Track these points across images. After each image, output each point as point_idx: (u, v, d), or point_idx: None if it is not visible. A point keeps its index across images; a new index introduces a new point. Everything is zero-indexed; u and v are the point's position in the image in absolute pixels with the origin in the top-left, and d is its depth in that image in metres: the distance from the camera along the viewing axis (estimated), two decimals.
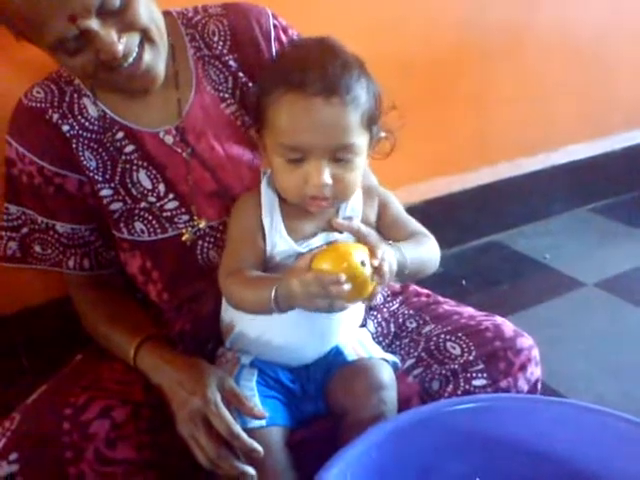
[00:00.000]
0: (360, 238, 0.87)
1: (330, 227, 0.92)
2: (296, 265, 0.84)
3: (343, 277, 0.77)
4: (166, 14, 1.00)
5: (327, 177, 0.84)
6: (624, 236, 2.13)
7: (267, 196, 0.92)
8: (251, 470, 0.85)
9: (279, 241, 0.91)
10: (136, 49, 0.88)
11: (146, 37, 0.90)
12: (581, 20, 2.05)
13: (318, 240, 0.91)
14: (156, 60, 0.92)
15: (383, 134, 0.92)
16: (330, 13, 1.53)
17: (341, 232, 0.91)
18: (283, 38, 1.05)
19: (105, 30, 0.84)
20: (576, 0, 2.02)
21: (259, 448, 0.85)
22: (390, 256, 0.83)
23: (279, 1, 1.09)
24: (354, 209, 0.95)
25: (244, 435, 0.85)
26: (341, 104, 0.83)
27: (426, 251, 0.94)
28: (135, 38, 0.88)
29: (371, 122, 0.88)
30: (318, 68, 0.83)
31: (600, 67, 2.16)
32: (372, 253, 0.80)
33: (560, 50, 2.04)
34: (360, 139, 0.86)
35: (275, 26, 1.05)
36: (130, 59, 0.88)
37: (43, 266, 1.04)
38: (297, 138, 0.83)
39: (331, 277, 0.77)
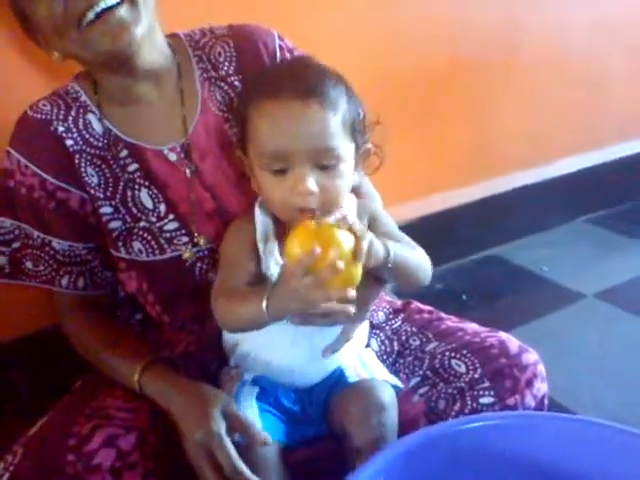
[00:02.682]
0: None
1: None
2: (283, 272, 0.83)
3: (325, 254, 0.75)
4: (174, 36, 1.01)
5: (312, 184, 0.83)
6: (621, 246, 2.14)
7: (261, 220, 0.92)
8: None
9: (273, 265, 0.91)
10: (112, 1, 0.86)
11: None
12: (573, 33, 2.08)
13: None
14: (134, 20, 0.89)
15: (370, 146, 0.92)
16: (325, 31, 1.54)
17: None
18: (289, 58, 1.05)
19: None
20: (568, 13, 2.04)
21: None
22: (375, 240, 0.82)
23: (275, 20, 1.10)
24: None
25: (246, 471, 0.84)
26: (319, 106, 0.83)
27: (414, 254, 0.93)
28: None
29: (354, 130, 0.88)
30: (293, 75, 0.85)
31: (592, 80, 2.19)
32: (355, 237, 0.79)
33: (553, 64, 2.06)
34: (343, 144, 0.86)
35: (281, 47, 1.05)
36: (101, 3, 0.85)
37: (33, 283, 1.02)
38: (277, 144, 0.83)
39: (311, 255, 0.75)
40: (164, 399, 0.93)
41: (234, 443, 0.87)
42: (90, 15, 0.86)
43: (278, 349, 0.94)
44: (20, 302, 1.20)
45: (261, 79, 0.89)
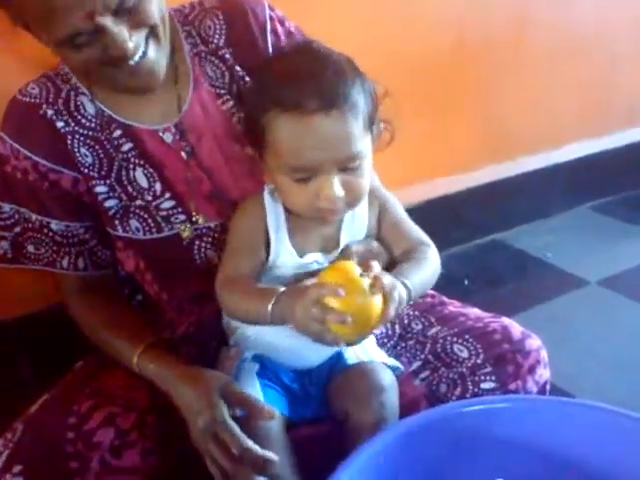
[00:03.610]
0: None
1: (332, 241, 0.92)
2: (301, 286, 0.82)
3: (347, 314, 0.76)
4: None
5: (339, 189, 0.83)
6: (626, 233, 2.13)
7: (272, 209, 0.92)
8: None
9: (283, 253, 0.91)
10: (142, 46, 0.88)
11: (153, 34, 0.89)
12: (583, 17, 2.05)
13: (320, 256, 0.92)
14: (160, 58, 0.92)
15: (382, 125, 0.90)
16: (328, 12, 1.52)
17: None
18: (279, 30, 1.04)
19: (117, 27, 0.84)
20: None
21: (273, 457, 0.84)
22: (400, 289, 0.81)
23: (281, 4, 1.07)
24: (361, 215, 0.95)
25: (255, 447, 0.84)
26: (341, 116, 0.81)
27: (427, 271, 0.92)
28: (143, 34, 0.88)
29: (371, 122, 0.87)
30: (311, 82, 0.81)
31: (601, 65, 2.16)
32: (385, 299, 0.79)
33: (561, 49, 2.03)
34: (364, 143, 0.85)
35: (271, 18, 1.04)
36: (136, 57, 0.88)
37: (36, 266, 1.02)
38: (302, 158, 0.82)
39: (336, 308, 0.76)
40: (163, 382, 0.92)
41: (236, 419, 0.87)
42: (126, 65, 0.87)
43: (280, 331, 0.92)
44: (22, 281, 1.20)
45: (277, 85, 0.83)
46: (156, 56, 0.91)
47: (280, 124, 0.82)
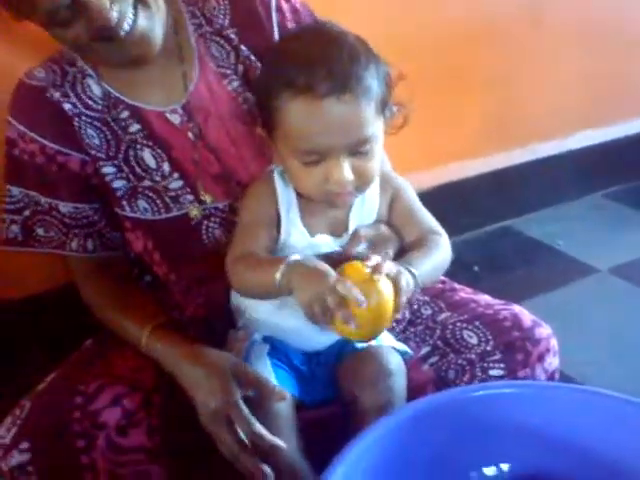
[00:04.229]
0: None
1: (341, 225, 0.92)
2: (321, 269, 0.81)
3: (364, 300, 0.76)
4: None
5: (349, 173, 0.82)
6: (637, 222, 2.11)
7: (283, 190, 0.91)
8: (269, 470, 0.84)
9: (295, 232, 0.90)
10: (130, 15, 0.87)
11: (140, 1, 0.88)
12: (599, 3, 2.02)
13: (330, 239, 0.91)
14: (152, 25, 0.90)
15: (394, 109, 0.88)
16: None
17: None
18: (284, 7, 1.03)
19: None
20: None
21: (281, 444, 0.84)
22: (408, 278, 0.81)
23: None
24: (371, 200, 0.93)
25: (266, 433, 0.84)
26: (354, 100, 0.80)
27: (437, 262, 0.91)
28: (128, 2, 0.86)
29: (384, 105, 0.85)
30: (324, 65, 0.78)
31: (616, 53, 2.12)
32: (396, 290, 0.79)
33: (575, 35, 2.01)
34: (376, 127, 0.84)
35: None
36: (126, 26, 0.86)
37: (46, 249, 1.02)
38: (313, 142, 0.81)
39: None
40: (170, 363, 0.93)
41: (246, 398, 0.87)
42: (117, 36, 0.86)
43: (292, 312, 0.92)
44: (31, 261, 1.20)
45: (290, 68, 0.80)
46: (148, 24, 0.89)
47: (291, 107, 0.80)
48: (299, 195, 0.91)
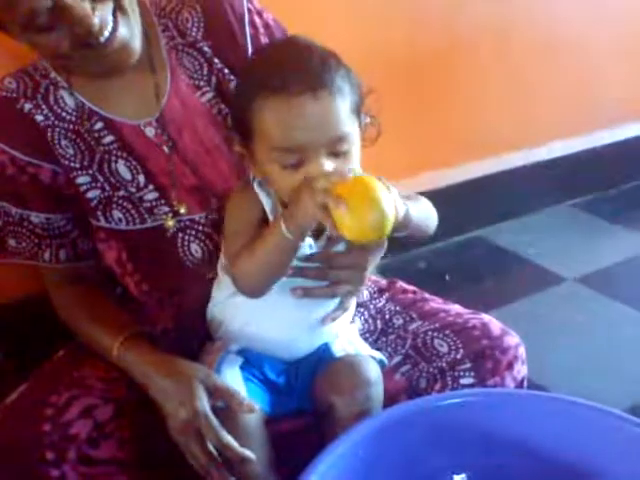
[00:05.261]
0: None
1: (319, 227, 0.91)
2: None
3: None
4: (139, 4, 0.96)
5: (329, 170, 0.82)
6: (605, 232, 2.15)
7: (264, 195, 0.90)
8: None
9: None
10: (110, 22, 0.86)
11: (118, 7, 0.88)
12: (566, 17, 2.06)
13: (312, 241, 0.91)
14: (131, 33, 0.90)
15: (367, 119, 0.90)
16: (315, 10, 1.51)
17: None
18: (257, 22, 1.03)
19: (77, 2, 0.82)
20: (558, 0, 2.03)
21: (251, 456, 0.84)
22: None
23: None
24: None
25: (235, 445, 0.84)
26: (329, 96, 0.81)
27: (424, 207, 0.96)
28: (108, 9, 0.86)
29: (358, 109, 0.87)
30: (297, 66, 0.81)
31: (583, 65, 2.18)
32: None
33: (545, 47, 2.05)
34: (352, 127, 0.85)
35: (249, 10, 1.03)
36: (106, 33, 0.86)
37: (18, 260, 1.01)
38: (291, 140, 0.81)
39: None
40: (140, 373, 0.92)
41: (215, 410, 0.87)
42: (97, 43, 0.86)
43: (271, 320, 0.94)
44: (4, 268, 1.18)
45: (263, 72, 0.84)
46: (127, 31, 0.89)
47: (267, 107, 0.82)
48: (281, 203, 0.90)
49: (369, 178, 0.80)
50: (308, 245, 0.91)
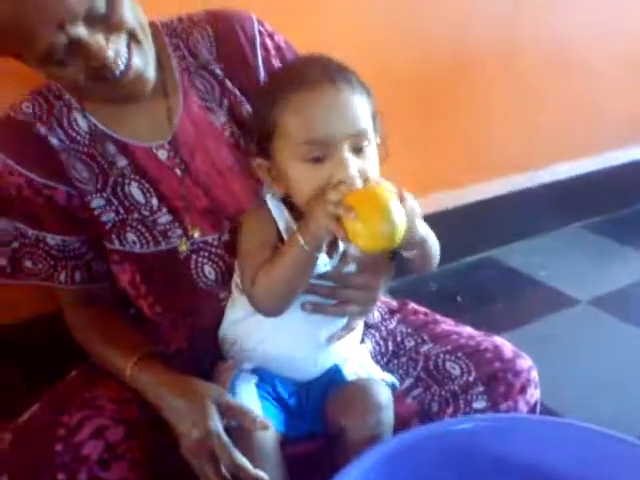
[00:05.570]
0: None
1: (333, 245, 0.92)
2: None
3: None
4: (150, 25, 0.98)
5: (354, 169, 0.83)
6: (616, 253, 2.15)
7: (278, 215, 0.91)
8: None
9: None
10: (125, 54, 0.88)
11: (132, 38, 0.89)
12: (571, 36, 2.08)
13: (327, 258, 0.92)
14: (145, 63, 0.91)
15: (379, 139, 0.92)
16: (323, 29, 1.53)
17: None
18: (269, 44, 1.05)
19: (92, 36, 0.83)
20: (564, 19, 2.05)
21: (264, 476, 0.84)
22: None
23: (273, 17, 1.08)
24: None
25: (249, 466, 0.84)
26: (349, 89, 0.85)
27: (433, 237, 0.96)
28: (122, 40, 0.87)
29: (375, 120, 0.89)
30: (319, 67, 0.86)
31: (591, 86, 2.19)
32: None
33: (551, 67, 2.06)
34: (370, 127, 0.87)
35: (260, 32, 1.04)
36: (121, 65, 0.87)
37: (34, 281, 1.02)
38: (317, 129, 0.83)
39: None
40: (154, 394, 0.92)
41: (228, 430, 0.86)
42: (113, 75, 0.87)
43: (283, 340, 0.94)
44: (19, 288, 1.19)
45: (284, 77, 0.89)
46: (141, 62, 0.90)
47: (293, 104, 0.85)
48: (293, 218, 0.91)
49: (379, 187, 0.81)
50: (323, 263, 0.91)
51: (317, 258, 0.86)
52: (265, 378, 0.96)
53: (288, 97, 0.85)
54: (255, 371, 0.96)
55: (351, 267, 0.92)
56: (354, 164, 0.83)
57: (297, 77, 0.86)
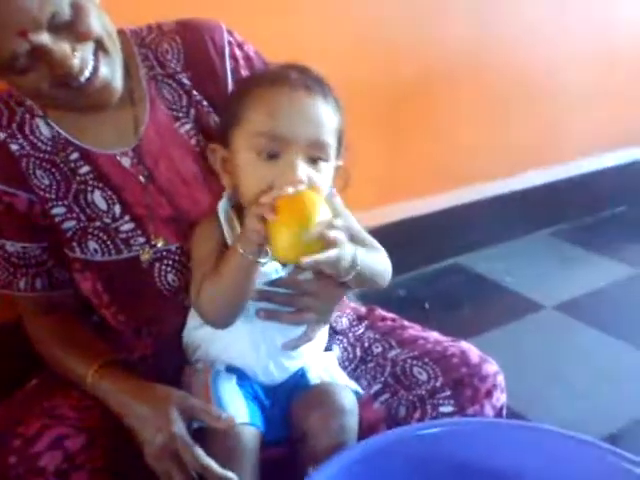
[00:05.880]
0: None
1: None
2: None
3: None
4: (119, 32, 0.96)
5: (303, 173, 0.84)
6: (582, 260, 2.19)
7: (227, 223, 0.91)
8: None
9: None
10: (91, 62, 0.86)
11: (100, 47, 0.87)
12: (537, 53, 2.13)
13: (279, 265, 0.91)
14: (112, 72, 0.90)
15: (341, 163, 0.93)
16: (295, 45, 1.52)
17: None
18: (238, 54, 1.04)
19: (57, 44, 0.81)
20: (531, 35, 2.10)
21: (232, 476, 0.83)
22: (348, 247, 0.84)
23: (245, 25, 1.07)
24: None
25: (214, 465, 0.83)
26: (323, 100, 0.87)
27: (377, 258, 0.96)
28: (89, 49, 0.85)
29: (340, 139, 0.89)
30: (297, 72, 0.88)
31: (555, 96, 2.24)
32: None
33: (517, 79, 2.11)
34: (332, 143, 0.88)
35: (230, 42, 1.03)
36: (87, 73, 0.85)
37: None
38: (279, 124, 0.84)
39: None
40: (116, 402, 0.91)
41: (203, 436, 0.86)
42: (78, 83, 0.85)
43: (240, 348, 0.94)
44: None
45: (262, 75, 0.92)
46: (108, 72, 0.89)
47: (266, 95, 0.86)
48: (241, 215, 0.91)
49: (310, 196, 0.80)
50: (274, 269, 0.91)
51: (258, 264, 0.85)
52: (242, 377, 0.95)
53: (262, 89, 0.87)
54: (231, 370, 0.95)
55: (307, 274, 0.92)
56: (303, 170, 0.84)
57: (275, 75, 0.88)
